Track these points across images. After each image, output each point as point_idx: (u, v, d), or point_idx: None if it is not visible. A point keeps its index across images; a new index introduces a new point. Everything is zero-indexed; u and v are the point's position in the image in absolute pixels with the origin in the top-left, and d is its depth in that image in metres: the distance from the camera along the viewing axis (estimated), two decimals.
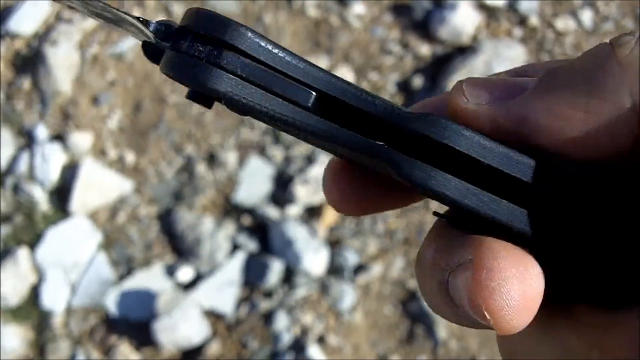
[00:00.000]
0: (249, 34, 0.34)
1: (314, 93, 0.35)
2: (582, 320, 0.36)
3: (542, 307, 0.35)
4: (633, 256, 0.34)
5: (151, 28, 0.36)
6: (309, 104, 0.35)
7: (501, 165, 0.34)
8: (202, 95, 0.36)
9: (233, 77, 0.34)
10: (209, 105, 0.37)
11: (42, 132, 2.58)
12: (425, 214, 2.33)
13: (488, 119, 0.35)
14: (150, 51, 0.37)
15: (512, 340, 0.39)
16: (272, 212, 2.35)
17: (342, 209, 0.40)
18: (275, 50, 0.34)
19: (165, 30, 0.36)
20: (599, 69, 0.34)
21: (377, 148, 0.34)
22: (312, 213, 2.36)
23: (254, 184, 2.42)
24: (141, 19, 0.36)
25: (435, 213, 0.39)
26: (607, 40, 0.35)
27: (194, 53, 0.34)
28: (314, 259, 2.25)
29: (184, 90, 0.36)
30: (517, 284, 0.32)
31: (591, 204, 0.34)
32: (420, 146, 0.34)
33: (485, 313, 0.32)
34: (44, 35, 2.73)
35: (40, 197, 2.48)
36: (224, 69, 0.34)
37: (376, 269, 2.27)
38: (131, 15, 0.37)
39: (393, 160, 0.34)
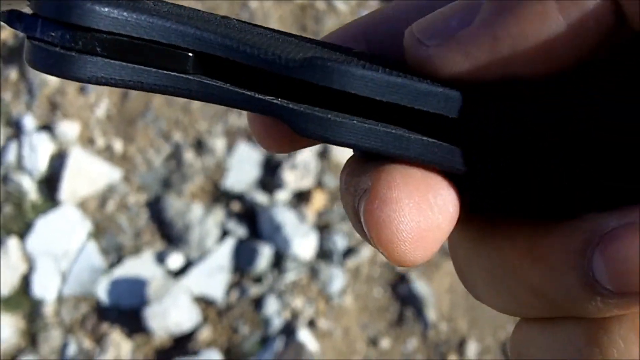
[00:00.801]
0: (97, 7, 0.29)
1: (191, 54, 0.31)
2: (517, 230, 0.33)
3: (474, 221, 0.34)
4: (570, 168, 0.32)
5: (1, 18, 0.32)
6: (188, 68, 0.32)
7: (411, 102, 0.31)
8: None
9: (95, 58, 0.30)
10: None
11: (29, 122, 2.58)
12: None
13: (461, 54, 0.31)
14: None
15: (456, 258, 0.37)
16: (260, 197, 2.36)
17: (271, 147, 0.38)
18: (134, 17, 0.30)
19: (19, 19, 0.31)
20: None
21: (265, 104, 0.32)
22: (300, 198, 2.37)
23: (242, 170, 2.42)
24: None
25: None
26: None
27: (47, 40, 0.30)
28: (303, 244, 2.26)
29: None
30: (410, 216, 0.31)
31: (544, 148, 0.32)
32: (314, 94, 0.31)
33: (377, 244, 0.31)
34: None
35: (29, 187, 2.47)
36: (82, 52, 0.30)
37: (365, 252, 2.28)
38: None
39: (283, 115, 0.31)
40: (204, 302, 2.27)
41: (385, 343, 2.19)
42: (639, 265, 0.28)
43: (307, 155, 2.38)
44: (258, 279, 2.27)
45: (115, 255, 2.38)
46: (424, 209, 0.31)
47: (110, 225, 2.43)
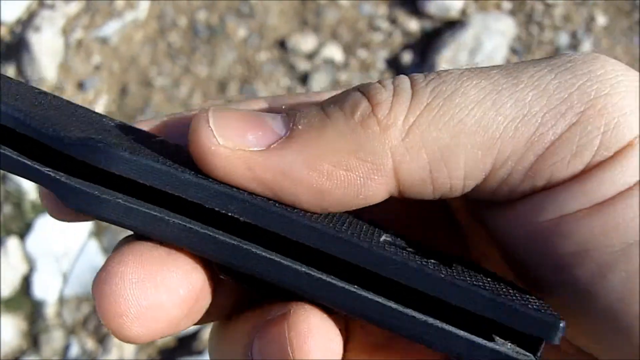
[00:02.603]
0: None
1: None
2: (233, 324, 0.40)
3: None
4: None
5: None
6: None
7: (172, 189, 0.33)
8: None
9: None
10: None
11: None
12: None
13: (244, 167, 0.34)
14: None
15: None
16: None
17: (61, 218, 0.39)
18: None
19: None
20: (361, 128, 0.35)
21: (40, 175, 0.33)
22: None
23: None
24: None
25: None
26: (357, 89, 0.37)
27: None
28: None
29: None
30: (132, 292, 0.33)
31: None
32: (93, 173, 0.33)
33: (101, 317, 0.33)
34: (27, 21, 2.69)
35: (29, 187, 2.45)
36: None
37: None
38: None
39: (53, 187, 0.33)
40: None
41: None
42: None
43: None
44: None
45: None
46: (147, 287, 0.33)
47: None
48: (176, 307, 0.34)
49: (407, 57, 2.49)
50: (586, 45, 2.43)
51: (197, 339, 2.19)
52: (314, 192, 0.34)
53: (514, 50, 2.45)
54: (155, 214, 0.34)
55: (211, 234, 0.34)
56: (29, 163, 0.33)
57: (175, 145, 0.39)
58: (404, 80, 0.37)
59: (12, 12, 2.73)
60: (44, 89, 2.38)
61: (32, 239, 2.37)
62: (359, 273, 0.34)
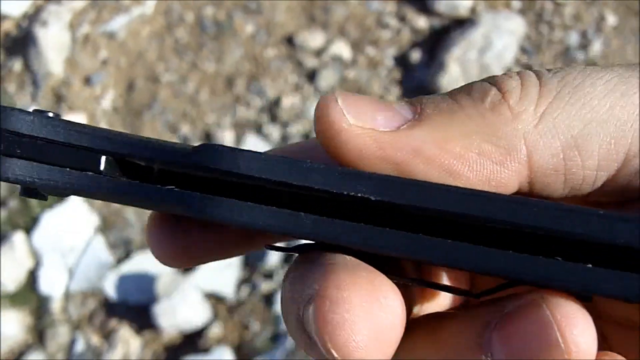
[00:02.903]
0: (18, 113, 0.33)
1: (102, 155, 0.34)
2: (424, 320, 0.37)
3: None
4: None
5: None
6: (99, 168, 0.34)
7: (299, 180, 0.33)
8: (29, 189, 0.35)
9: (14, 159, 0.34)
10: (44, 198, 0.36)
11: None
12: None
13: (375, 146, 0.34)
14: None
15: None
16: None
17: (168, 262, 0.39)
18: (52, 123, 0.34)
19: None
20: (492, 113, 0.34)
21: (166, 193, 0.34)
22: None
23: None
24: None
25: (266, 246, 0.39)
26: (482, 80, 0.36)
27: None
28: None
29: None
30: (365, 317, 0.31)
31: None
32: (206, 179, 0.34)
33: (332, 349, 0.30)
34: (34, 15, 2.69)
35: None
36: (4, 154, 0.34)
37: None
38: None
39: (183, 201, 0.34)
40: (214, 298, 2.24)
41: None
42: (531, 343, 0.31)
43: None
44: (269, 275, 2.24)
45: (123, 250, 2.36)
46: (376, 310, 0.31)
47: (117, 220, 2.40)
48: (402, 325, 0.32)
49: (415, 55, 2.49)
50: (596, 45, 2.42)
51: (203, 337, 2.19)
52: (445, 172, 0.34)
53: (523, 50, 2.45)
54: (285, 211, 0.33)
55: (350, 223, 0.33)
56: (154, 186, 0.34)
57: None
58: (529, 72, 0.36)
59: (19, 6, 2.72)
60: (50, 83, 2.37)
61: (39, 233, 2.37)
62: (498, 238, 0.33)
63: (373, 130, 0.34)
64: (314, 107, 0.35)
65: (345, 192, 0.33)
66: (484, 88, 0.35)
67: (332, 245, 0.33)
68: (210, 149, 0.33)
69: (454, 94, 0.36)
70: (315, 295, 0.31)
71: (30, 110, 0.34)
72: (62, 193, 0.35)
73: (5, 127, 0.33)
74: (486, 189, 0.34)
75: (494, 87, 0.35)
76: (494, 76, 0.36)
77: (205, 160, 0.33)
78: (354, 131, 0.34)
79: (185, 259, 0.39)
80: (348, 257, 0.33)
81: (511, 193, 0.35)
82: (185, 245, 0.39)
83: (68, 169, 0.34)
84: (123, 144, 0.34)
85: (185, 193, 0.33)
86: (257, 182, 0.33)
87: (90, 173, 0.34)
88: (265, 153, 0.33)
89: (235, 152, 0.33)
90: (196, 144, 0.37)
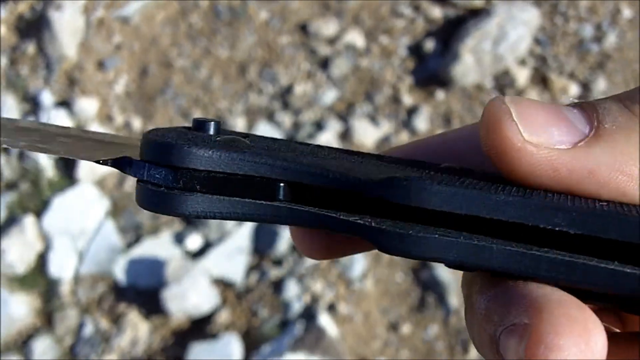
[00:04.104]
0: (194, 149, 0.34)
1: (281, 184, 0.35)
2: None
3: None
4: None
5: (132, 174, 0.36)
6: (278, 196, 0.35)
7: (489, 213, 0.32)
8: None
9: (195, 195, 0.34)
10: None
11: (47, 97, 2.55)
12: None
13: (550, 166, 0.32)
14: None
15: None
16: None
17: (310, 255, 0.39)
18: (227, 155, 0.34)
19: (129, 165, 0.36)
20: None
21: (350, 224, 0.34)
22: None
23: None
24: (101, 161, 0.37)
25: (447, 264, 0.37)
26: None
27: (153, 181, 0.35)
28: None
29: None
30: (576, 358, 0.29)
31: None
32: (394, 210, 0.33)
33: None
34: (49, 0, 2.69)
35: (46, 164, 2.45)
36: (183, 189, 0.34)
37: None
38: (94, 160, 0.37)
39: (367, 235, 0.33)
40: (222, 284, 2.24)
41: (406, 328, 2.16)
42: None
43: (329, 137, 2.35)
44: (278, 262, 2.24)
45: (134, 234, 2.36)
46: (588, 352, 0.30)
47: (128, 204, 2.40)
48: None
49: (429, 45, 2.48)
50: (611, 38, 2.41)
51: (211, 322, 2.19)
52: (618, 194, 0.32)
53: (537, 41, 2.43)
54: (476, 243, 0.32)
55: (541, 253, 0.32)
56: (335, 215, 0.34)
57: (461, 168, 0.37)
58: None
59: None
60: (64, 67, 2.38)
61: (49, 217, 2.37)
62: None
63: (548, 149, 0.32)
64: (483, 111, 0.34)
65: (542, 226, 0.32)
66: None
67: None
68: (398, 183, 0.33)
69: (628, 103, 0.34)
70: (525, 330, 0.30)
71: (208, 139, 0.35)
72: (236, 219, 0.35)
73: (185, 165, 0.34)
74: None
75: None
76: None
77: (393, 195, 0.33)
78: (528, 149, 0.32)
79: (325, 253, 0.39)
80: (555, 290, 0.32)
81: None
82: (327, 242, 0.39)
83: (247, 200, 0.35)
84: (302, 173, 0.34)
85: (374, 228, 0.33)
86: (447, 216, 0.33)
87: (270, 202, 0.35)
88: (451, 185, 0.32)
89: (425, 187, 0.32)
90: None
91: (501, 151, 0.33)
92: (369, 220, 0.33)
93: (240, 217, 0.35)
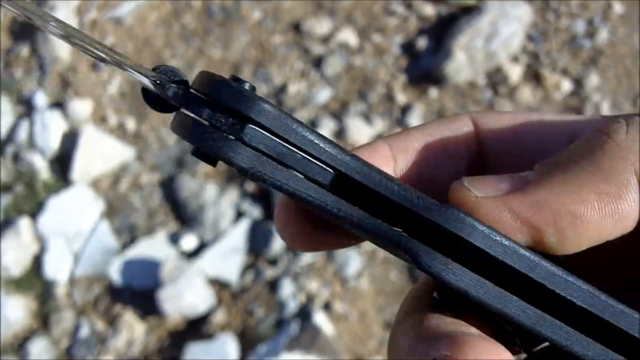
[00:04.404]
0: (272, 110, 0.33)
1: (333, 172, 0.35)
2: None
3: None
4: None
5: (169, 92, 0.35)
6: (327, 183, 0.35)
7: (517, 265, 0.35)
8: (208, 156, 0.35)
9: (255, 152, 0.34)
10: (214, 164, 0.35)
11: (41, 99, 2.55)
12: None
13: (505, 209, 0.35)
14: (153, 98, 0.36)
15: None
16: None
17: (295, 246, 0.40)
18: (297, 128, 0.34)
19: (182, 94, 0.35)
20: (599, 151, 0.36)
21: (394, 234, 0.34)
22: None
23: None
24: (154, 77, 0.35)
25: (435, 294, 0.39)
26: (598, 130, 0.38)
27: (215, 124, 0.34)
28: None
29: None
30: None
31: None
32: (439, 237, 0.34)
33: None
34: (42, 1, 2.69)
35: (41, 166, 2.45)
36: (245, 144, 0.34)
37: None
38: (141, 73, 0.35)
39: (410, 250, 0.34)
40: (218, 284, 2.24)
41: None
42: None
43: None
44: (273, 261, 2.24)
45: (129, 235, 2.36)
46: None
47: (123, 205, 2.40)
48: None
49: (422, 43, 2.48)
50: (603, 34, 2.41)
51: (207, 323, 2.19)
52: (573, 218, 0.35)
53: (530, 37, 2.44)
54: (502, 291, 0.35)
55: (553, 319, 0.35)
56: (380, 222, 0.35)
57: None
58: (634, 116, 0.38)
59: None
60: (58, 69, 2.37)
61: (44, 218, 2.37)
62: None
63: (499, 197, 0.36)
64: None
65: (558, 292, 0.35)
66: (596, 138, 0.37)
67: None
68: (455, 215, 0.34)
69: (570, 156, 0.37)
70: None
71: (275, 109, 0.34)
72: (277, 190, 0.35)
73: (255, 118, 0.33)
74: (612, 223, 0.36)
75: (603, 134, 0.37)
76: (603, 123, 0.38)
77: (450, 224, 0.34)
78: (483, 202, 0.36)
79: (312, 245, 0.40)
80: (476, 331, 0.35)
81: (635, 221, 0.36)
82: (313, 234, 0.40)
83: (297, 174, 0.35)
84: (360, 171, 0.35)
85: (413, 243, 0.34)
86: (481, 253, 0.35)
87: (319, 186, 0.35)
88: (500, 233, 0.34)
89: (483, 232, 0.34)
90: None
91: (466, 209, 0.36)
92: (412, 238, 0.34)
93: (287, 190, 0.35)
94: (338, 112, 2.42)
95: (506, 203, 0.35)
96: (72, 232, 2.35)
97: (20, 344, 2.26)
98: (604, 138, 0.36)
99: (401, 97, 2.42)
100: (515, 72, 2.38)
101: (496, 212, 0.35)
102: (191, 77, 0.35)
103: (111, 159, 2.45)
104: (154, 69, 0.36)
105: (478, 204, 0.35)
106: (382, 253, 2.24)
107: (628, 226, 0.36)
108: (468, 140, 0.41)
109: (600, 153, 0.36)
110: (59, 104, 2.55)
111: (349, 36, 2.53)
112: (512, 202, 0.35)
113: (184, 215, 2.35)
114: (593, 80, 2.35)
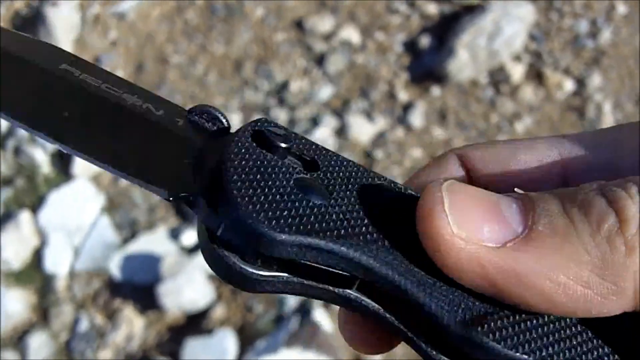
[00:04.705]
0: (283, 236, 0.33)
1: (357, 279, 0.35)
2: None
3: None
4: None
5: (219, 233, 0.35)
6: (351, 287, 0.35)
7: None
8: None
9: (272, 276, 0.34)
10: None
11: None
12: None
13: (476, 263, 0.33)
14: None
15: None
16: None
17: (361, 351, 0.40)
18: (311, 247, 0.33)
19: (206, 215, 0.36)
20: (607, 245, 0.32)
21: (407, 337, 0.35)
22: None
23: None
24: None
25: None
26: (602, 193, 0.34)
27: (225, 239, 0.34)
28: None
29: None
30: None
31: None
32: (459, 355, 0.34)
33: None
34: None
35: (42, 160, 2.45)
36: (259, 267, 0.34)
37: None
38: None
39: (420, 352, 0.35)
40: (218, 280, 2.24)
41: None
42: None
43: (324, 133, 2.35)
44: None
45: (129, 230, 2.36)
46: None
47: (124, 200, 2.40)
48: None
49: (424, 41, 2.48)
50: (606, 34, 2.41)
51: (207, 318, 2.19)
52: (543, 300, 0.33)
53: (532, 37, 2.44)
54: None
55: None
56: (397, 324, 0.35)
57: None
58: None
59: None
60: None
61: (45, 212, 2.37)
62: None
63: (476, 245, 0.33)
64: (420, 195, 0.35)
65: None
66: (603, 212, 0.33)
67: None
68: (476, 343, 0.33)
69: (569, 208, 0.34)
70: None
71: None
72: (305, 296, 0.36)
73: (269, 253, 0.33)
74: (584, 315, 0.34)
75: (612, 211, 0.33)
76: (613, 188, 0.34)
77: (468, 347, 0.34)
78: (457, 243, 0.33)
79: (374, 349, 0.40)
80: None
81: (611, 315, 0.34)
82: (374, 340, 0.40)
83: (321, 286, 0.35)
84: (383, 280, 0.34)
85: (424, 350, 0.35)
86: None
87: (343, 290, 0.35)
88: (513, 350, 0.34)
89: (494, 353, 0.33)
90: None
91: (431, 241, 0.33)
92: (426, 346, 0.35)
93: (308, 296, 0.35)
94: (340, 110, 2.42)
95: (483, 258, 0.33)
96: (73, 226, 2.35)
97: (20, 337, 2.26)
98: (614, 223, 0.33)
99: (403, 95, 2.42)
100: (517, 71, 2.38)
101: (466, 260, 0.33)
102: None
103: None
104: (189, 111, 0.36)
105: (450, 242, 0.33)
106: None
107: (602, 316, 0.34)
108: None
109: (606, 245, 0.33)
110: None
111: (351, 34, 2.53)
112: (489, 261, 0.33)
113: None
114: (595, 80, 2.35)
